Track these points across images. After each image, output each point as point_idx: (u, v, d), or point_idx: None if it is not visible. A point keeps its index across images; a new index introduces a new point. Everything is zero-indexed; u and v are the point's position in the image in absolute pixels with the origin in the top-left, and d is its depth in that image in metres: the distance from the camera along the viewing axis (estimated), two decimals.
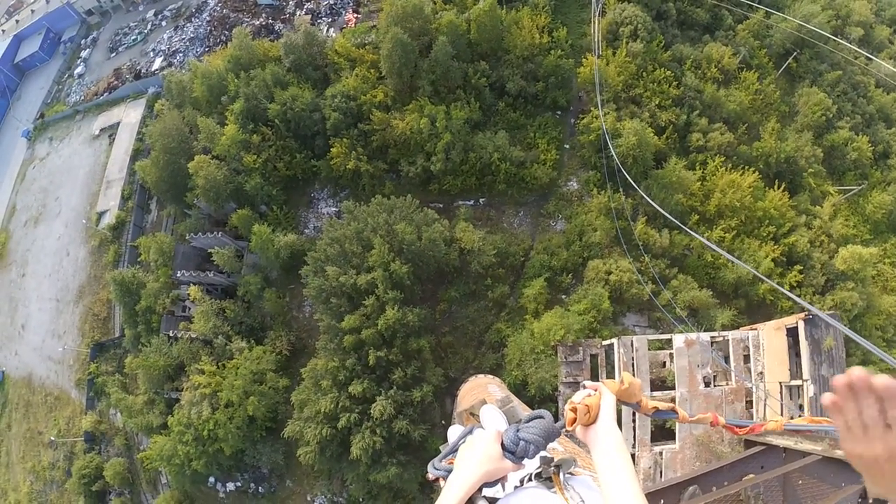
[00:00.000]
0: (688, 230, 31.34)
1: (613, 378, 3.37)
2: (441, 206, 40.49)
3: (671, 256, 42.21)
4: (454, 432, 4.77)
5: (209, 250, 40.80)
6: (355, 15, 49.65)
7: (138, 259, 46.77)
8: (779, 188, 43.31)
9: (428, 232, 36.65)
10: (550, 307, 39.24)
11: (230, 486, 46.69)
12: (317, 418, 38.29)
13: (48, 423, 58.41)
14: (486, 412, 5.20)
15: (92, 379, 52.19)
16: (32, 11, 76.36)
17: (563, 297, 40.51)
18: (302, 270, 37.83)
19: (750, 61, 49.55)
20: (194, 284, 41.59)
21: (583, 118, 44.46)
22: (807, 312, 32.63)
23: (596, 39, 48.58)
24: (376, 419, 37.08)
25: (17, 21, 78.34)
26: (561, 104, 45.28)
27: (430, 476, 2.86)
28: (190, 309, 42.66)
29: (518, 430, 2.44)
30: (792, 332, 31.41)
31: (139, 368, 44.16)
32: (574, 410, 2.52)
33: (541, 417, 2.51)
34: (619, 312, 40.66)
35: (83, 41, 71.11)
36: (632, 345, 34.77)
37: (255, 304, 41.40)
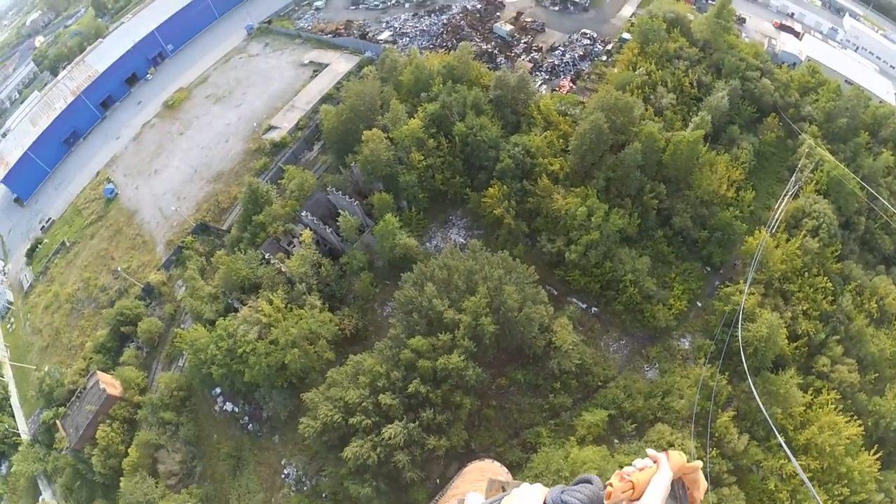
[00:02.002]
0: (787, 450, 28.98)
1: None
2: (555, 292, 40.18)
3: (737, 464, 38.79)
4: (475, 500, 4.83)
5: (339, 210, 43.37)
6: (571, 84, 51.43)
7: (279, 181, 50.71)
8: (874, 454, 39.00)
9: (531, 309, 36.45)
10: (598, 443, 37.42)
11: (228, 405, 48.20)
12: (336, 403, 38.82)
13: (124, 256, 63.52)
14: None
15: (181, 247, 56.36)
16: None
17: (616, 441, 38.43)
18: (404, 275, 39.02)
19: None
20: (310, 229, 44.25)
21: (727, 286, 42.63)
22: None
23: (776, 217, 46.73)
24: (383, 438, 36.98)
25: None
26: (714, 262, 43.76)
27: None
28: (294, 247, 45.37)
29: (563, 492, 2.35)
30: None
31: (223, 266, 47.05)
32: (622, 480, 2.30)
33: (588, 482, 2.37)
34: None
35: None
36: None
37: (348, 277, 43.18)
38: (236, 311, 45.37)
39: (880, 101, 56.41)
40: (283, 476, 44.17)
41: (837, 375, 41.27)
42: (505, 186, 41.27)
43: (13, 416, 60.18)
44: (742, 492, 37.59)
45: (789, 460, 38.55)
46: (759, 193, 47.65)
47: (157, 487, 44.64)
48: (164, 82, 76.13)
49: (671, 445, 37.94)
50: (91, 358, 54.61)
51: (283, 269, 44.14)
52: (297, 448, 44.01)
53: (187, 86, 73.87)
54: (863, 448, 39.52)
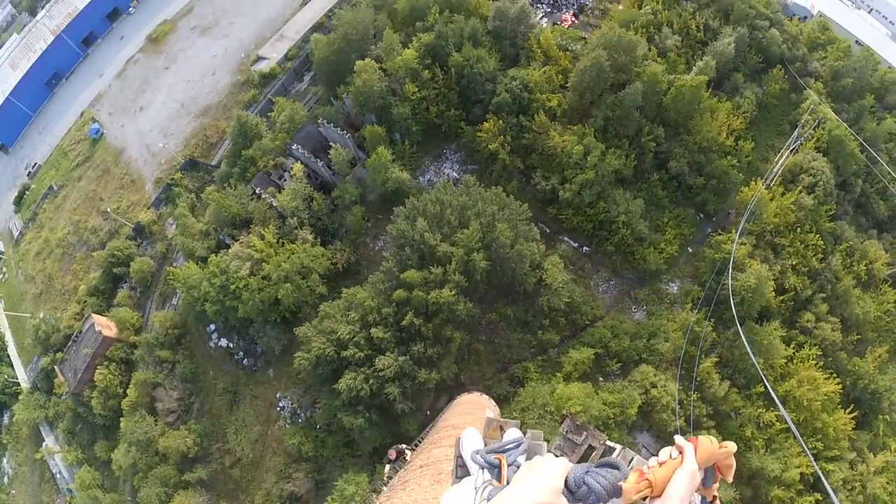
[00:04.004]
0: (772, 391, 29.80)
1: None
2: (548, 230, 39.96)
3: (716, 409, 39.93)
4: (472, 437, 4.58)
5: (331, 143, 42.22)
6: (573, 19, 49.06)
7: (268, 114, 49.02)
8: (849, 413, 40.23)
9: (523, 246, 36.31)
10: (584, 380, 38.41)
11: (223, 342, 48.75)
12: (329, 337, 39.21)
13: (113, 196, 62.39)
14: (512, 434, 4.82)
15: (170, 185, 55.32)
16: None
17: (601, 378, 39.44)
18: (396, 209, 38.52)
19: None
20: (301, 163, 43.24)
21: (719, 234, 42.63)
22: None
23: (774, 171, 46.32)
24: (376, 370, 37.61)
25: None
26: (708, 210, 43.54)
27: (470, 462, 2.75)
28: (285, 181, 44.48)
29: (587, 472, 2.20)
30: None
31: (214, 202, 46.23)
32: (640, 478, 2.12)
33: (616, 468, 2.20)
34: (637, 426, 39.17)
35: None
36: (630, 461, 33.49)
37: (339, 212, 42.61)
38: (228, 247, 45.04)
39: (889, 67, 54.37)
40: (278, 409, 45.40)
41: (820, 332, 41.86)
42: (501, 121, 40.08)
43: (12, 367, 61.00)
44: (720, 436, 38.79)
45: (767, 410, 39.85)
46: (758, 145, 46.69)
47: (156, 425, 45.86)
48: (147, 15, 71.98)
49: (653, 387, 38.83)
50: (85, 301, 54.74)
51: (274, 204, 43.47)
52: (292, 381, 44.89)
53: (171, 18, 70.12)
54: (839, 406, 40.66)
